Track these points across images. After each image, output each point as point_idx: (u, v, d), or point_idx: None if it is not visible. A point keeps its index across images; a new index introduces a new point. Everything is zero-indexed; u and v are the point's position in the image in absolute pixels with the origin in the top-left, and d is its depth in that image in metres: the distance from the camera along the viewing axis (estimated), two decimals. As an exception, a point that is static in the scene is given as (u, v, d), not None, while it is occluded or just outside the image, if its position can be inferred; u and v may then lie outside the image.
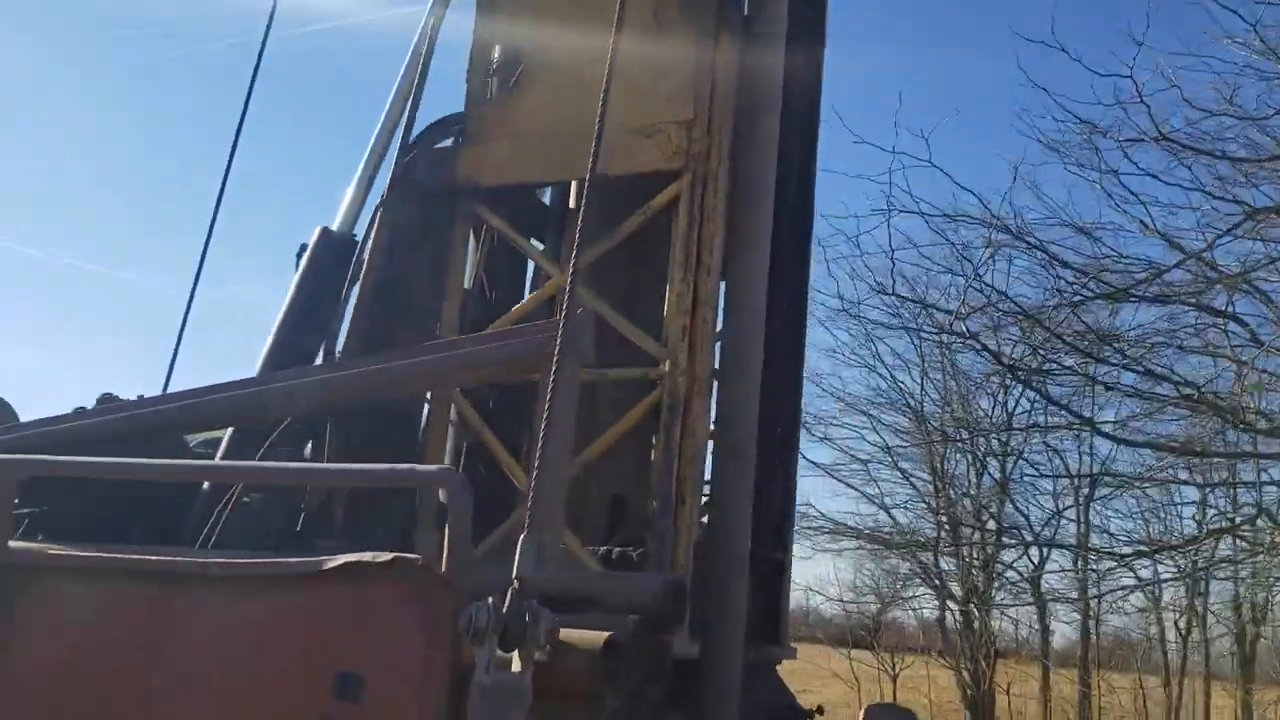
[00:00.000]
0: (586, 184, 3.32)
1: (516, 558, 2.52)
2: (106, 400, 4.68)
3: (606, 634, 2.66)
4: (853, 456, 19.68)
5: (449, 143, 4.77)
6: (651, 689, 2.93)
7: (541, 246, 4.93)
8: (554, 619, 2.43)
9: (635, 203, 4.40)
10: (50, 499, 3.65)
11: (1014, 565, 18.76)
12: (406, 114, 4.79)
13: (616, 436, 4.15)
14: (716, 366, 4.39)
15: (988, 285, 11.92)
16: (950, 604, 21.32)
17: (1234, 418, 11.16)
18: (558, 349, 3.26)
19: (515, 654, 2.40)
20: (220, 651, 2.82)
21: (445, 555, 2.81)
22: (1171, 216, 10.78)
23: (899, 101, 16.76)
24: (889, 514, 20.22)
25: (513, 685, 2.40)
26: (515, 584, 2.45)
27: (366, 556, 2.82)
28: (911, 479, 20.34)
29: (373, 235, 4.53)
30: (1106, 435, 13.17)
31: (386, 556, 2.81)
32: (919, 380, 19.37)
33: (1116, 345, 11.67)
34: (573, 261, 3.19)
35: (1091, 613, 20.93)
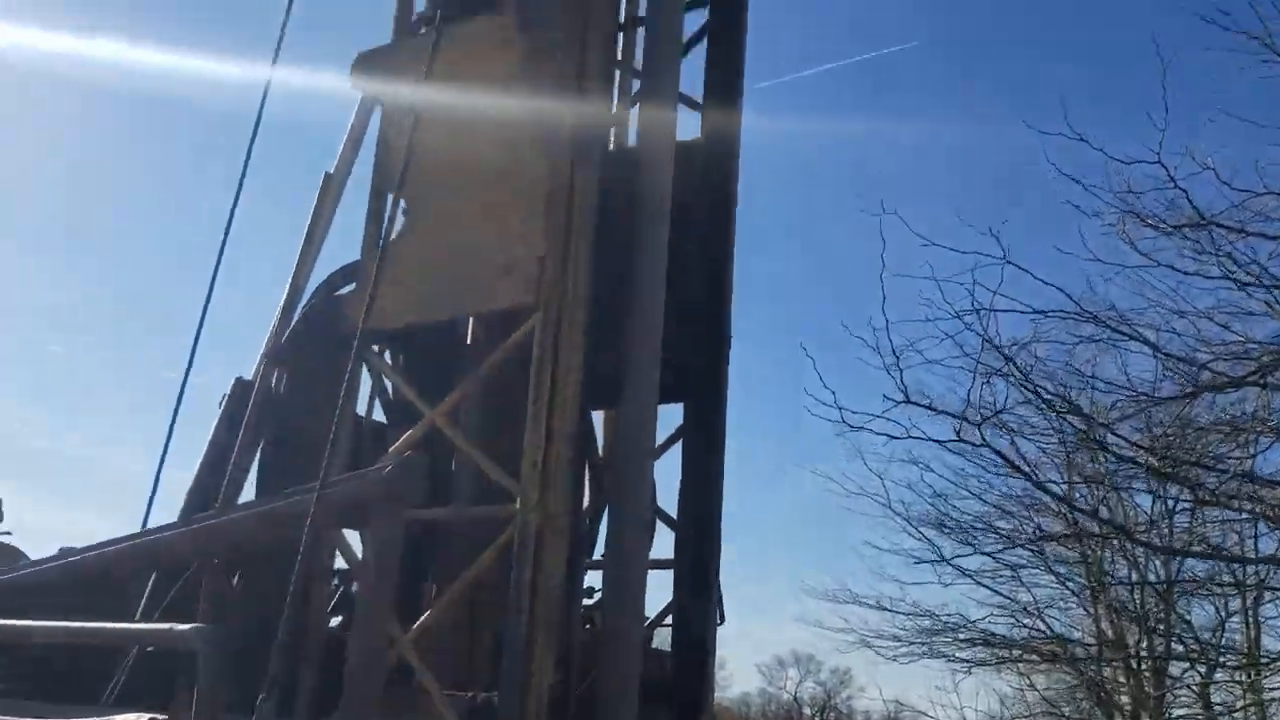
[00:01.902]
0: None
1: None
2: (65, 552, 4.97)
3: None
4: (1000, 563, 18.53)
5: (351, 289, 4.92)
6: None
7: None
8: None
9: (507, 338, 4.40)
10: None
11: (1184, 678, 17.03)
12: (311, 260, 4.98)
13: (464, 586, 4.06)
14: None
15: (1105, 382, 11.15)
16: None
17: None
18: (382, 496, 3.25)
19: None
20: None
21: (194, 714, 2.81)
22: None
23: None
24: (1044, 621, 18.83)
25: None
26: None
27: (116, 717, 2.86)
28: (1068, 584, 18.94)
29: (263, 383, 4.67)
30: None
31: (132, 717, 2.84)
32: (1065, 480, 18.16)
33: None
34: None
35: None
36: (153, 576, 4.69)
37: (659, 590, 4.82)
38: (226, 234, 5.45)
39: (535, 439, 4.10)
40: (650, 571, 4.67)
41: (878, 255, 10.32)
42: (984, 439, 11.16)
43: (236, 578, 4.53)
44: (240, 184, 5.41)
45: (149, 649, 4.25)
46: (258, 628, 4.03)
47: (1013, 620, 18.40)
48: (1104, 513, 17.08)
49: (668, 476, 4.98)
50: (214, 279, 5.40)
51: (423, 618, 4.04)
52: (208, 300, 5.39)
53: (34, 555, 6.15)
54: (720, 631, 4.90)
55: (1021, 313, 10.93)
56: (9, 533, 6.38)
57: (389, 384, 5.03)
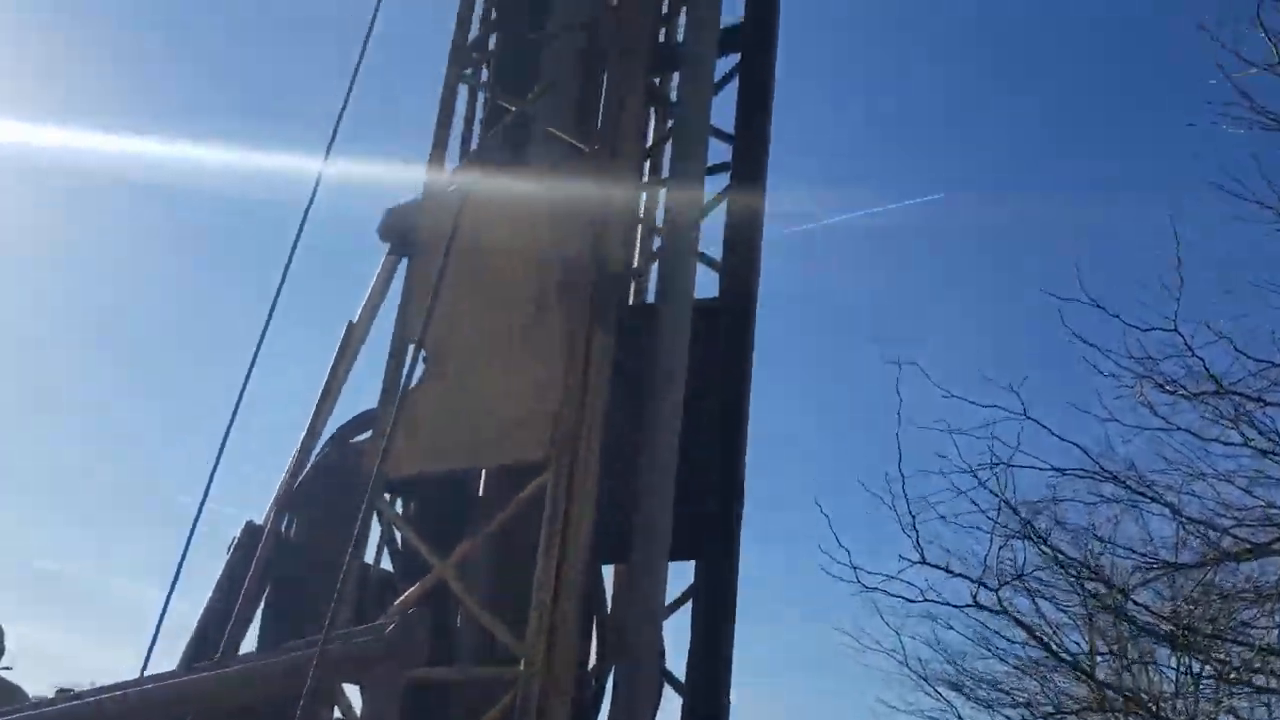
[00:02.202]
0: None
1: None
2: (63, 695, 4.90)
3: None
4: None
5: (367, 436, 4.95)
6: None
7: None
8: None
9: (518, 492, 4.39)
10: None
11: None
12: (329, 407, 5.02)
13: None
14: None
15: (1125, 547, 11.00)
16: None
17: None
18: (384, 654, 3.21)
19: None
20: None
21: None
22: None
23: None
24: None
25: None
26: None
27: None
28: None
29: (273, 528, 4.65)
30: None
31: None
32: (1087, 644, 17.67)
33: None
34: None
35: None
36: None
37: (664, 757, 4.69)
38: (252, 366, 5.52)
39: (542, 597, 4.05)
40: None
41: (894, 403, 10.38)
42: (1002, 604, 10.95)
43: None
44: (272, 309, 5.45)
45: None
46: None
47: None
48: (1127, 680, 16.56)
49: (678, 636, 4.90)
50: (235, 413, 5.44)
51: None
52: (226, 434, 5.42)
53: (32, 689, 6.05)
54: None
55: (1040, 469, 10.88)
56: (9, 668, 6.29)
57: (398, 534, 5.00)
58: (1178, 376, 9.95)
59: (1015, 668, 14.97)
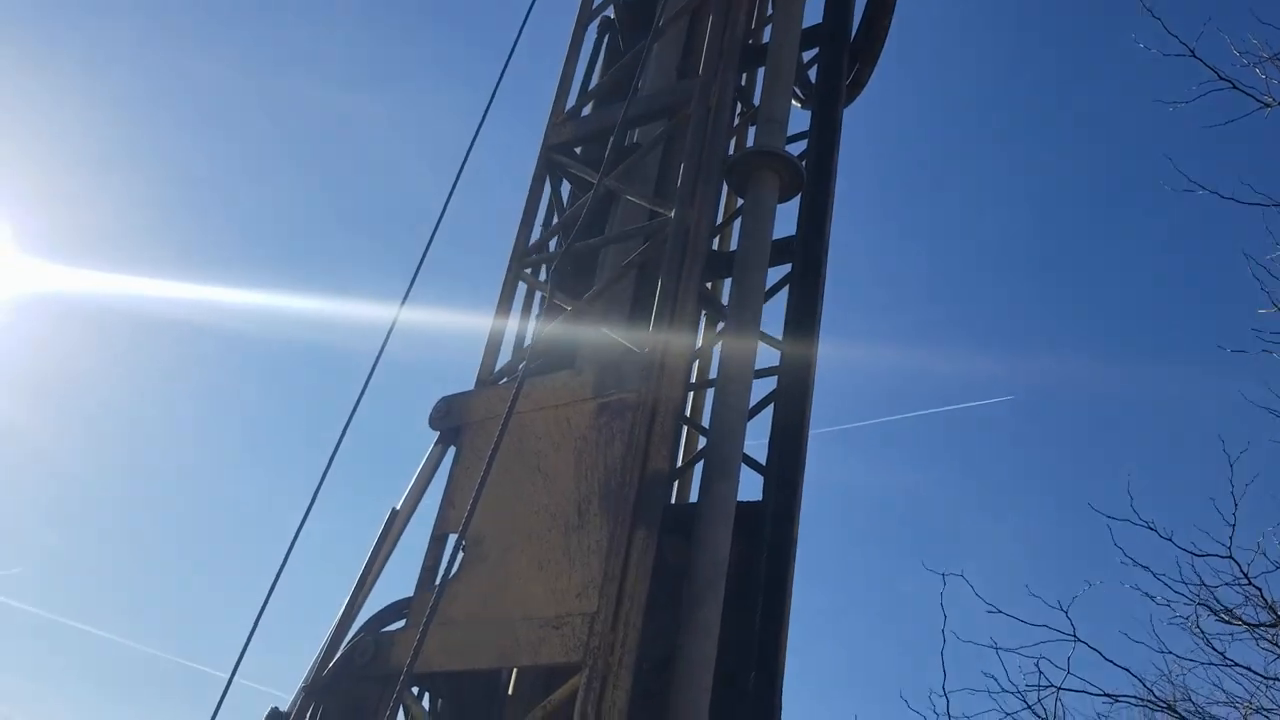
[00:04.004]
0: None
1: None
2: None
3: None
4: None
5: (400, 625, 4.91)
6: None
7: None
8: None
9: (549, 694, 4.30)
10: None
11: None
12: (364, 594, 5.00)
13: None
14: None
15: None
16: None
17: None
18: None
19: None
20: None
21: None
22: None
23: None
24: None
25: None
26: None
27: None
28: None
29: (297, 716, 4.57)
30: None
31: None
32: None
33: None
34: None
35: None
36: None
37: None
38: (294, 541, 5.54)
39: (568, 807, 3.91)
40: None
41: (939, 610, 10.09)
42: None
43: None
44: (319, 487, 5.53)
45: None
46: None
47: None
48: None
49: None
50: (272, 588, 5.43)
51: None
52: (262, 609, 5.40)
53: None
54: None
55: (1091, 694, 10.43)
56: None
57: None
58: (1235, 605, 9.63)
59: None
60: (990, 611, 10.75)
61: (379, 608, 5.01)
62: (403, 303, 5.97)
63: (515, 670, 4.87)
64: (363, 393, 5.53)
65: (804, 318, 5.68)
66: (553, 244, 5.95)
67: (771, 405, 5.54)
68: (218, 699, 5.22)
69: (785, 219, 5.88)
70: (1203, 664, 9.89)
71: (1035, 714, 10.47)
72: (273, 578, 5.41)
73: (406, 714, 4.73)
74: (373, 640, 4.84)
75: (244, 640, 5.30)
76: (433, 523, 5.05)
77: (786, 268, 5.87)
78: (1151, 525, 9.98)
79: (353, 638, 4.89)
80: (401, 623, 4.91)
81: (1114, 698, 10.46)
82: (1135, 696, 10.46)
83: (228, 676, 5.26)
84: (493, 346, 5.59)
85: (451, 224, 6.24)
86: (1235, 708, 10.31)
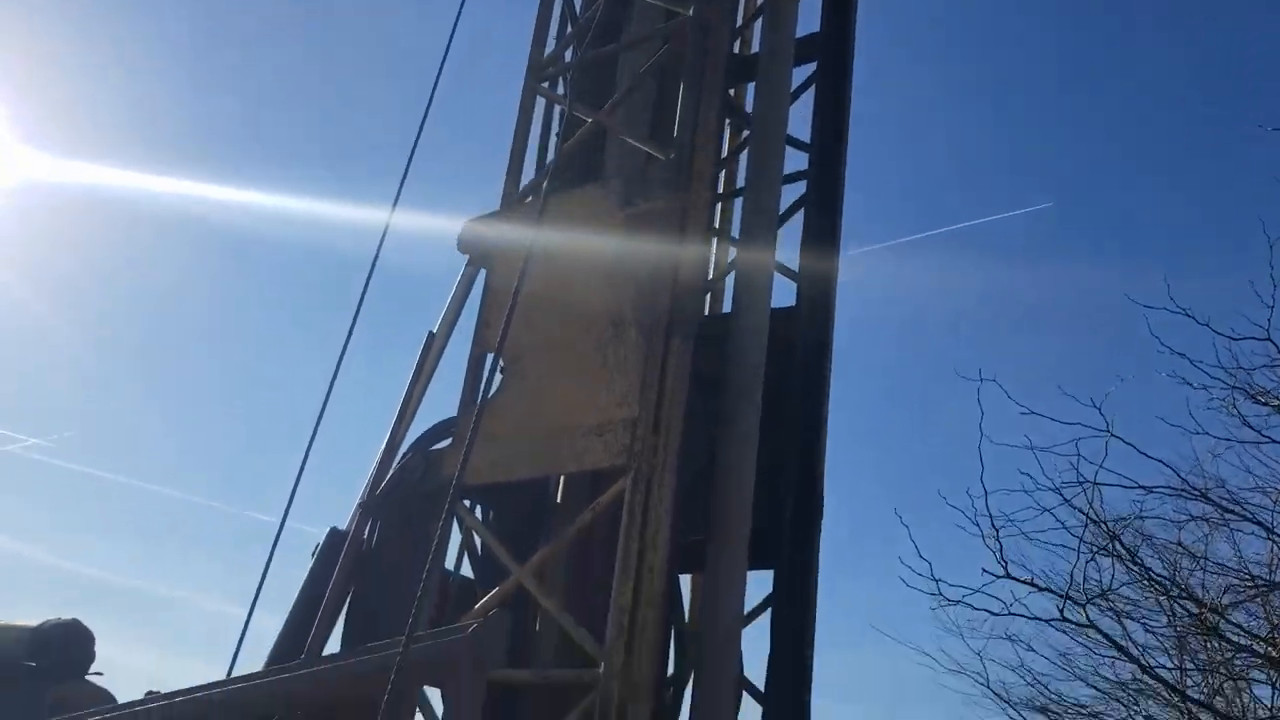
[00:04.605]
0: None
1: None
2: (151, 696, 5.05)
3: None
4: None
5: (447, 443, 5.02)
6: None
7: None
8: None
9: (596, 498, 4.42)
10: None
11: None
12: (410, 416, 5.10)
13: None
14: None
15: (1218, 563, 10.67)
16: None
17: None
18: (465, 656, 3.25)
19: None
20: None
21: None
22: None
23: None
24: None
25: None
26: None
27: None
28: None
29: (356, 534, 4.74)
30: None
31: None
32: (1177, 665, 17.11)
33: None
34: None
35: None
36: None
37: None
38: (332, 387, 5.64)
39: (621, 603, 4.06)
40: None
41: (975, 419, 10.20)
42: (1089, 619, 10.67)
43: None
44: (348, 338, 5.62)
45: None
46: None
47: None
48: (1220, 703, 16.00)
49: (756, 645, 4.85)
50: (316, 429, 5.56)
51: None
52: (309, 448, 5.54)
53: (121, 697, 6.22)
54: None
55: (1126, 488, 10.59)
56: (100, 673, 6.46)
57: (478, 540, 5.06)
58: (1271, 387, 9.63)
59: (1102, 691, 14.56)
60: (1024, 413, 10.80)
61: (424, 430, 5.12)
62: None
63: (563, 479, 4.99)
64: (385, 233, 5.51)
65: (831, 119, 5.54)
66: (568, 55, 5.78)
67: (803, 209, 5.47)
68: (271, 542, 5.43)
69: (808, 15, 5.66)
70: (1239, 443, 9.97)
71: (1074, 507, 10.66)
72: (314, 421, 5.55)
73: (460, 525, 4.89)
74: (422, 458, 4.97)
75: (292, 485, 5.47)
76: (470, 346, 5.10)
77: (811, 67, 5.69)
78: (1188, 311, 9.88)
79: (402, 457, 5.02)
80: (448, 442, 5.02)
81: (1149, 489, 10.62)
82: (1169, 487, 10.61)
83: (279, 521, 5.46)
84: (515, 166, 5.51)
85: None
86: (1266, 493, 10.46)
